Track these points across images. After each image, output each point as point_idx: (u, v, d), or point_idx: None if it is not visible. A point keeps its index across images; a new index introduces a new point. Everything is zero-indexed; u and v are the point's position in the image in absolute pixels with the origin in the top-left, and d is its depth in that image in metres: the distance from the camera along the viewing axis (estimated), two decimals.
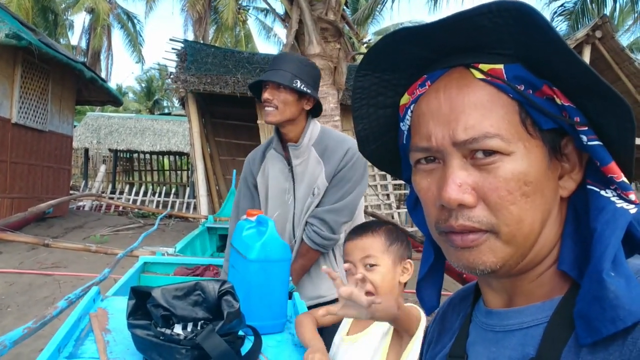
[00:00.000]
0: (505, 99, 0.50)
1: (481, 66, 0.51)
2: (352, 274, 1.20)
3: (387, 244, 1.27)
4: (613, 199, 0.50)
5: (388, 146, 0.65)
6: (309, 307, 1.91)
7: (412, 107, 0.57)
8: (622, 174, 0.49)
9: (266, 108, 1.88)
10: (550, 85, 0.50)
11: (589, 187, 0.52)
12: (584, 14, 12.81)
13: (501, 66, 0.50)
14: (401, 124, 0.60)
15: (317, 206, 1.94)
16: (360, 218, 2.08)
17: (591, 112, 0.49)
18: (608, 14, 12.62)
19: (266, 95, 1.86)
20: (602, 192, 0.50)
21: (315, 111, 1.97)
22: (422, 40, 0.52)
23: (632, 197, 0.49)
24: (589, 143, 0.49)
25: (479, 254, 0.51)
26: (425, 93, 0.55)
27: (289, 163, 1.97)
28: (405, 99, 0.59)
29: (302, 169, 1.95)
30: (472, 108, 0.50)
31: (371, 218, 8.85)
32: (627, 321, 0.43)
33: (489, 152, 0.49)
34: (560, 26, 13.16)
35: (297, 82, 1.83)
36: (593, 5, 12.36)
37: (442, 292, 0.72)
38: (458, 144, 0.50)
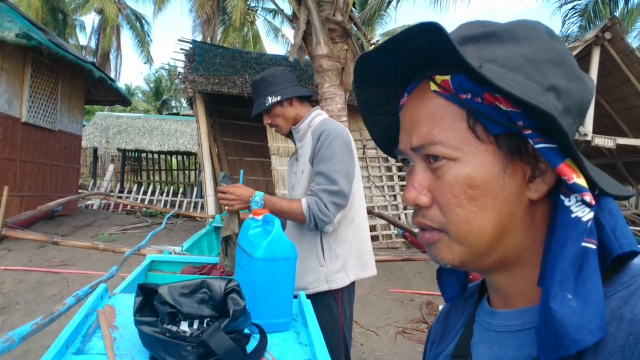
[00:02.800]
0: (454, 108, 0.53)
1: (437, 77, 0.54)
2: None
3: None
4: (573, 207, 0.49)
5: None
6: None
7: (399, 115, 0.61)
8: (573, 176, 0.48)
9: (274, 129, 2.25)
10: (493, 92, 0.51)
11: (561, 195, 0.51)
12: (595, 15, 12.74)
13: (448, 77, 0.53)
14: None
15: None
16: (361, 209, 2.18)
17: (540, 118, 0.50)
18: (618, 15, 12.53)
19: (266, 122, 2.22)
20: (566, 201, 0.50)
21: (308, 97, 2.24)
22: (386, 60, 0.56)
23: (587, 198, 0.48)
24: (536, 146, 0.50)
25: (437, 250, 0.55)
26: (403, 104, 0.59)
27: (297, 148, 2.24)
28: None
29: (302, 151, 2.18)
30: (424, 118, 0.55)
31: (377, 219, 8.84)
32: (571, 349, 0.44)
33: (435, 157, 0.53)
34: (572, 29, 13.10)
35: (268, 100, 2.14)
36: (604, 6, 12.28)
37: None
38: (414, 149, 0.56)
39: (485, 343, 0.59)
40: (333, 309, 2.07)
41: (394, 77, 0.59)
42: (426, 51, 0.52)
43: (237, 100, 10.09)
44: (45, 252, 6.28)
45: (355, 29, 7.92)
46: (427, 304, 5.28)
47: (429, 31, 0.49)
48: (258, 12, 24.57)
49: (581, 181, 0.48)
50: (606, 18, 9.76)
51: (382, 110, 0.64)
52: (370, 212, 8.53)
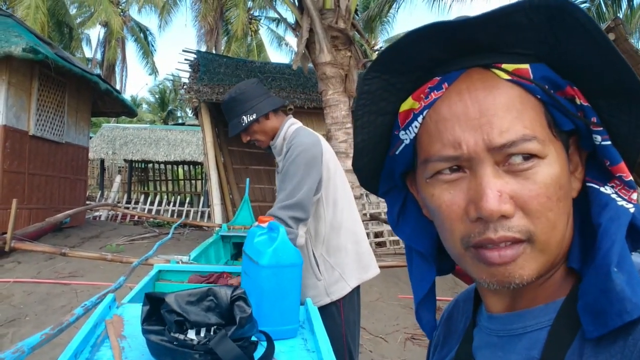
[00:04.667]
0: (533, 100, 0.48)
1: (505, 66, 0.48)
2: None
3: None
4: (613, 195, 0.50)
5: (377, 159, 0.62)
6: None
7: (424, 112, 0.53)
8: (629, 173, 0.49)
9: (254, 144, 2.24)
10: (572, 85, 0.49)
11: (588, 184, 0.52)
12: (599, 17, 12.71)
13: (527, 66, 0.48)
14: (401, 132, 0.56)
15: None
16: (348, 214, 2.15)
17: (605, 111, 0.49)
18: (622, 16, 12.51)
19: (245, 140, 2.20)
20: (602, 189, 0.50)
21: (282, 107, 2.20)
22: (450, 38, 0.49)
23: (634, 196, 0.49)
24: (603, 143, 0.48)
25: (515, 267, 0.48)
26: (443, 97, 0.51)
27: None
28: (408, 104, 0.55)
29: (281, 166, 2.15)
30: (504, 110, 0.47)
31: (384, 225, 8.81)
32: (633, 314, 0.43)
33: (527, 156, 0.47)
34: None
35: (243, 119, 2.09)
36: (607, 8, 12.26)
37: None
38: (493, 149, 0.47)
39: (487, 348, 0.58)
40: (336, 317, 2.08)
41: (422, 63, 0.52)
42: (503, 32, 0.47)
43: None
44: (54, 264, 6.31)
45: (358, 36, 7.95)
46: (436, 309, 5.26)
47: (555, 9, 0.43)
48: (261, 21, 24.73)
49: (631, 178, 0.49)
50: (609, 20, 9.72)
51: (377, 107, 0.57)
52: (377, 218, 8.51)
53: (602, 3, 12.55)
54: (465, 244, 0.50)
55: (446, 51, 0.50)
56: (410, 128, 0.55)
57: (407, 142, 0.56)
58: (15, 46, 6.75)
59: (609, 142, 0.48)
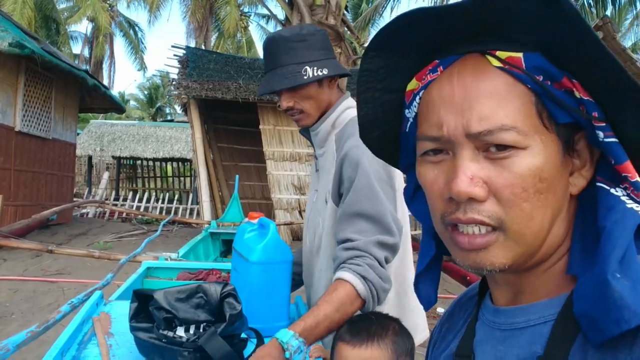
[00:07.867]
0: (522, 89, 0.48)
1: (498, 53, 0.48)
2: None
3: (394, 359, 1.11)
4: (623, 198, 0.48)
5: (390, 134, 0.63)
6: None
7: (421, 93, 0.54)
8: (636, 174, 0.47)
9: (291, 116, 1.50)
10: (570, 77, 0.47)
11: (598, 184, 0.50)
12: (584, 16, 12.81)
13: (520, 54, 0.48)
14: (407, 110, 0.58)
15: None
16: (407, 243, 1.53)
17: (609, 107, 0.47)
18: (609, 14, 12.61)
19: (284, 104, 1.45)
20: (612, 191, 0.48)
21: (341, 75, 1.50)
22: (440, 23, 0.49)
23: None
24: (606, 140, 0.47)
25: (486, 254, 0.49)
26: (436, 79, 0.52)
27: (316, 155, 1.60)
28: (413, 84, 0.56)
29: (323, 161, 1.53)
30: (487, 97, 0.47)
31: None
32: (632, 323, 0.42)
33: (503, 146, 0.47)
34: None
35: (306, 70, 1.38)
36: (592, 9, 12.34)
37: (447, 295, 0.72)
38: (471, 136, 0.48)
39: (489, 342, 0.57)
40: None
41: (421, 46, 0.52)
42: (497, 19, 0.46)
43: (232, 106, 10.08)
44: (40, 262, 6.24)
45: (349, 32, 7.95)
46: (433, 306, 5.28)
47: None
48: (251, 17, 24.63)
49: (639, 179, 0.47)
50: (594, 20, 9.81)
51: (382, 85, 0.58)
52: None
53: (585, 3, 12.62)
54: (443, 221, 0.52)
55: (444, 35, 0.50)
56: (411, 107, 0.56)
57: (411, 120, 0.57)
58: (2, 41, 6.67)
59: (613, 139, 0.47)
